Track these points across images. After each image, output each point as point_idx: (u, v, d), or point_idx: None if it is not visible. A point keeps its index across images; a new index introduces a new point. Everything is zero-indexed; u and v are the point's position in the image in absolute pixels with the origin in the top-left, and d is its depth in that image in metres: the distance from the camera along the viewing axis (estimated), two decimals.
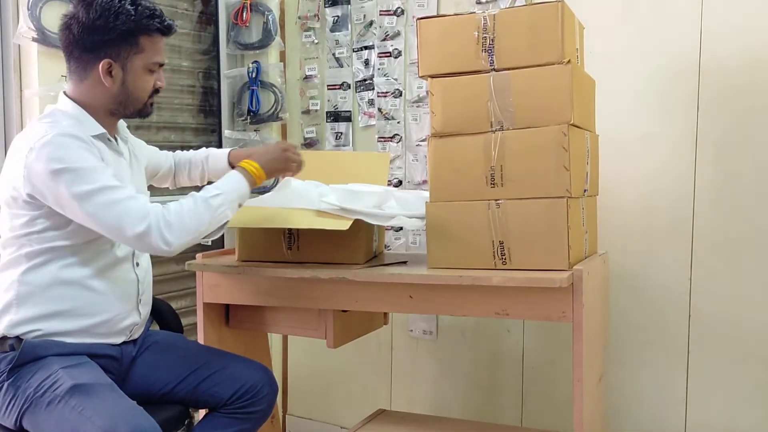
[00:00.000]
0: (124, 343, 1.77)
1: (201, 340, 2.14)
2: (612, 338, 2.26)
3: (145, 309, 1.82)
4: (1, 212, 1.68)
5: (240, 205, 1.75)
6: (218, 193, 1.68)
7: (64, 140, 1.57)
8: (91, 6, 1.63)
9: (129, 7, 1.64)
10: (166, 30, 1.72)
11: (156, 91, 1.75)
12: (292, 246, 2.03)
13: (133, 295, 1.77)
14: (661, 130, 2.24)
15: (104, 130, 1.70)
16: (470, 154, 1.83)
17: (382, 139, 2.76)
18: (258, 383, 1.86)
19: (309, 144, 2.94)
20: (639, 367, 2.31)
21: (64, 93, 1.73)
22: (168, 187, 2.11)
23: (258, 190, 2.22)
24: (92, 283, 1.68)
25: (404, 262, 2.02)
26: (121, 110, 1.73)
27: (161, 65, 1.75)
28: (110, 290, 1.71)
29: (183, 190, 1.97)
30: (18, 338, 1.63)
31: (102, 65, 1.65)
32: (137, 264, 1.79)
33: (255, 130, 2.92)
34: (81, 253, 1.66)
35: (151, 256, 1.85)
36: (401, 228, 2.67)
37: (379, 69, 2.75)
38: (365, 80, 2.79)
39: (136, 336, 1.82)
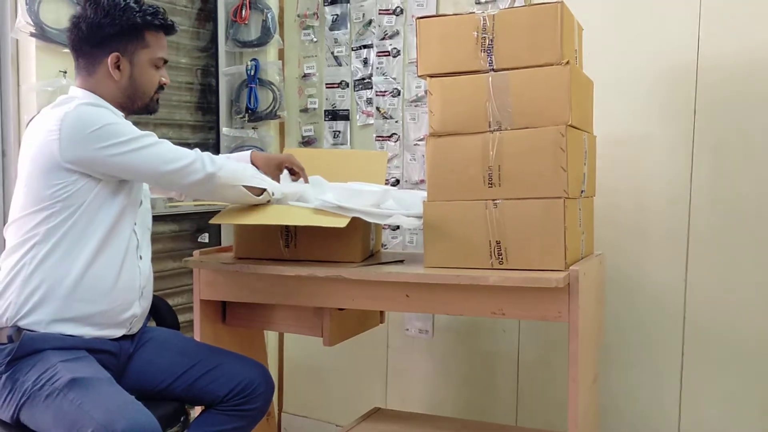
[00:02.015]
0: (122, 338, 1.77)
1: (197, 337, 2.14)
2: (607, 339, 2.27)
3: (145, 303, 1.83)
4: (17, 190, 1.70)
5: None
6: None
7: (93, 108, 1.68)
8: (98, 4, 1.71)
9: (133, 5, 1.73)
10: (169, 28, 1.81)
11: (161, 87, 1.83)
12: (289, 244, 2.03)
13: (135, 287, 1.78)
14: (658, 131, 2.24)
15: (121, 113, 1.77)
16: (468, 153, 1.83)
17: (380, 138, 2.76)
18: (254, 381, 1.86)
19: (307, 142, 2.94)
20: (633, 367, 2.32)
21: (75, 87, 1.79)
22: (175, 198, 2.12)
23: None
24: (99, 271, 1.69)
25: (401, 261, 2.02)
26: (130, 104, 1.79)
27: (165, 62, 1.83)
28: (115, 280, 1.72)
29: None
30: (17, 329, 1.63)
31: (110, 59, 1.73)
32: (141, 257, 1.80)
33: (253, 128, 2.92)
34: (91, 239, 1.68)
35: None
36: (398, 227, 2.67)
37: (377, 68, 2.75)
38: (364, 79, 2.79)
39: (135, 330, 1.82)
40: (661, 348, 2.27)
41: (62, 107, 1.67)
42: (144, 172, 1.72)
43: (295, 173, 2.05)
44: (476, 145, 1.83)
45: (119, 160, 1.65)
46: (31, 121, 1.76)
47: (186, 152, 1.75)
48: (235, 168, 1.84)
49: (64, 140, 1.62)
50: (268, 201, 1.91)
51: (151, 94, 1.80)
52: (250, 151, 2.05)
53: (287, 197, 1.96)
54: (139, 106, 1.81)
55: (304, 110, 2.95)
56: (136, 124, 1.93)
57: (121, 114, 1.76)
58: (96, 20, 1.71)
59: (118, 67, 1.74)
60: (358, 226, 1.93)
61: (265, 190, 1.89)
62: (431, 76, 1.89)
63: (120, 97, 1.76)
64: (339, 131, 2.86)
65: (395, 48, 2.72)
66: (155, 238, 2.35)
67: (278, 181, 2.00)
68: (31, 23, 2.19)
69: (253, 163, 2.01)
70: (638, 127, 2.27)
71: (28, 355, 1.61)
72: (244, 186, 1.83)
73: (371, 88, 2.77)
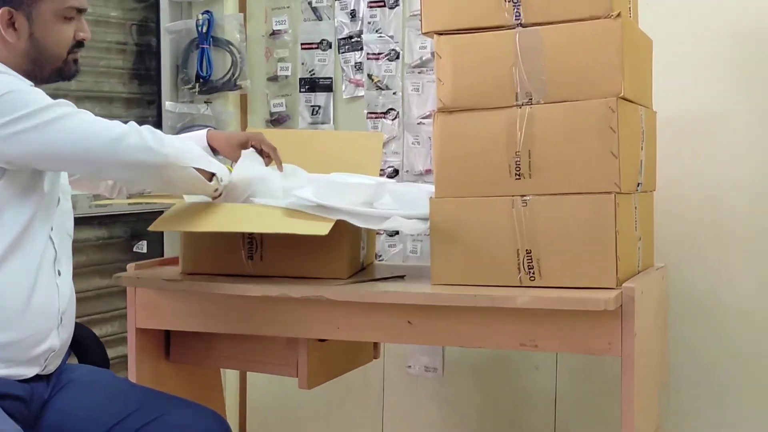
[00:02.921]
0: (34, 379, 1.76)
1: (133, 378, 2.14)
2: (672, 377, 2.27)
3: (66, 333, 1.82)
4: None
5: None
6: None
7: None
8: None
9: None
10: None
11: (79, 44, 1.80)
12: (254, 255, 2.03)
13: (52, 311, 1.76)
14: (739, 106, 2.25)
15: (30, 83, 1.73)
16: (489, 135, 1.84)
17: (373, 115, 2.77)
18: None
19: (277, 120, 2.94)
20: (710, 415, 2.33)
21: None
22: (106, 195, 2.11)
23: None
24: (3, 291, 1.67)
25: (401, 277, 2.03)
26: (37, 71, 1.77)
27: (80, 11, 1.79)
28: (25, 303, 1.70)
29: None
30: None
31: (1, 16, 1.69)
32: (59, 273, 1.79)
33: (205, 102, 2.93)
34: None
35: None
36: (397, 232, 2.67)
37: (369, 23, 2.76)
38: (351, 38, 2.80)
39: (51, 369, 1.81)
40: (748, 390, 2.28)
41: None
42: (60, 153, 1.68)
43: (266, 155, 2.04)
44: (499, 124, 1.83)
45: (27, 139, 1.62)
46: None
47: (115, 124, 1.71)
48: (180, 145, 1.81)
49: None
50: (216, 190, 1.89)
51: (63, 54, 1.78)
52: (206, 130, 2.05)
53: (244, 187, 1.95)
54: (50, 72, 1.78)
55: (273, 78, 2.95)
56: (52, 97, 1.92)
57: (29, 83, 1.75)
58: None
59: (12, 26, 1.71)
60: (345, 231, 1.94)
61: (214, 175, 1.87)
62: (440, 33, 1.89)
63: (22, 63, 1.74)
64: (319, 106, 2.87)
65: None
66: (77, 247, 2.35)
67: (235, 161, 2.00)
68: None
69: (210, 145, 2.01)
70: (712, 101, 2.28)
71: None
72: (195, 168, 1.81)
73: (361, 49, 2.78)
